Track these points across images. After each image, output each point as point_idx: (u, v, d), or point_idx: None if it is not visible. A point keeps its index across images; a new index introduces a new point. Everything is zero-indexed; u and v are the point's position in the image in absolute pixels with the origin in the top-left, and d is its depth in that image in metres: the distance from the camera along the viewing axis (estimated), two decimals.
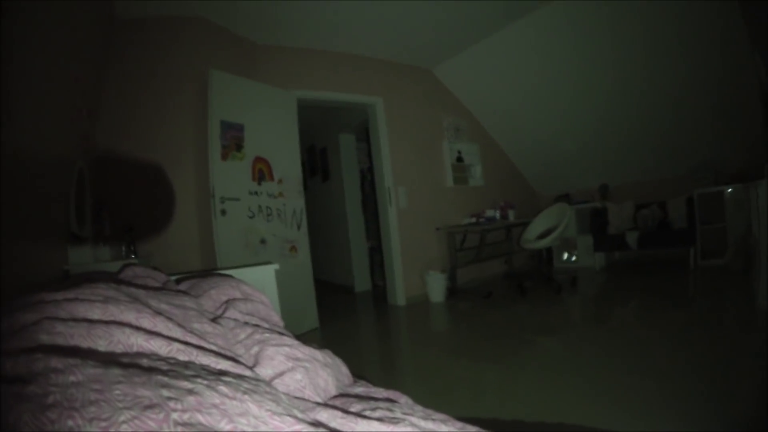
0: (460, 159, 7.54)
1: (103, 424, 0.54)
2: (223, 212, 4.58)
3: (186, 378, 0.68)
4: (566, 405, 2.78)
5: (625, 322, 4.69)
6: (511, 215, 7.23)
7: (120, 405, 0.57)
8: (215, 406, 0.63)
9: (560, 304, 5.58)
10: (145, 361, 0.74)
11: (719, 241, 6.30)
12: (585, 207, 7.88)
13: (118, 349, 0.80)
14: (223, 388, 0.69)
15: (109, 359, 0.71)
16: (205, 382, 0.69)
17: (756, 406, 2.49)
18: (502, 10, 5.48)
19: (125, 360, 0.72)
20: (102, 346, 0.79)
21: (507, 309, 5.54)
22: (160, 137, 4.47)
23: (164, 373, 0.69)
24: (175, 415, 0.57)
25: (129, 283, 1.50)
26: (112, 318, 0.90)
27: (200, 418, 0.59)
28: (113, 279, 1.63)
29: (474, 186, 7.76)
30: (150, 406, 0.58)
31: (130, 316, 0.92)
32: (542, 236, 6.42)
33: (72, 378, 0.61)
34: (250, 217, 4.84)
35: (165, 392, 0.62)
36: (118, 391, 0.59)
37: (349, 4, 4.88)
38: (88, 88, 3.78)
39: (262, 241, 4.92)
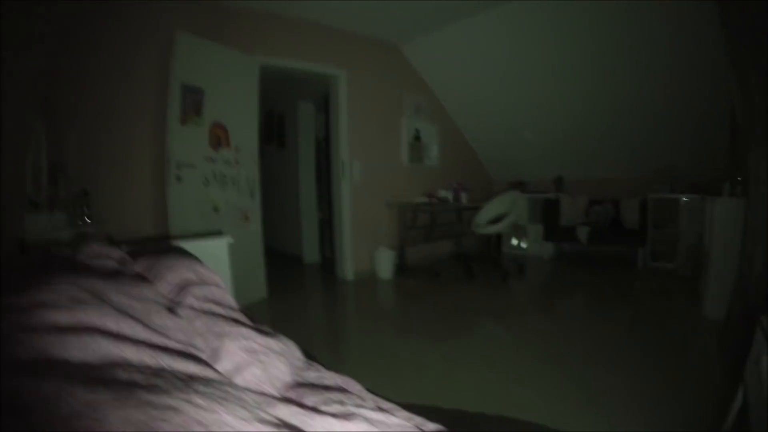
0: (417, 138, 7.59)
1: None
2: (179, 178, 4.51)
3: (165, 392, 0.71)
4: (503, 390, 2.89)
5: (567, 314, 4.86)
6: (464, 198, 7.30)
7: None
8: (198, 422, 0.66)
9: (506, 290, 5.72)
10: (121, 373, 0.76)
11: (669, 245, 6.52)
12: (539, 197, 8.01)
13: (91, 357, 0.82)
14: (198, 401, 0.72)
15: (91, 375, 0.72)
16: (182, 395, 0.71)
17: (678, 409, 2.63)
18: None
19: (106, 375, 0.74)
20: (76, 356, 0.81)
21: (454, 291, 5.65)
22: (119, 98, 4.35)
23: (144, 388, 0.71)
24: None
25: (88, 268, 1.50)
26: (79, 321, 0.91)
27: None
28: (72, 266, 1.63)
29: (429, 166, 7.83)
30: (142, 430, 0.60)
31: (95, 319, 0.93)
32: (493, 222, 6.53)
33: (68, 408, 0.62)
34: (205, 184, 4.78)
35: (153, 413, 0.64)
36: (114, 418, 0.61)
37: None
38: (51, 47, 3.67)
39: (216, 209, 4.88)
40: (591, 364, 3.29)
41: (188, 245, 2.86)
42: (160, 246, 2.52)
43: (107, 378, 0.73)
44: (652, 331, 4.02)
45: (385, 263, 6.52)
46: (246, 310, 2.06)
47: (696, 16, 4.71)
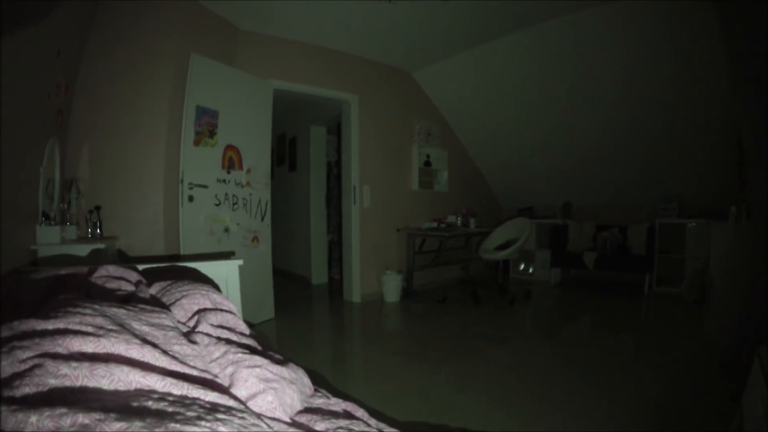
0: (428, 163, 7.65)
1: None
2: (191, 198, 4.59)
3: (191, 422, 0.76)
4: (506, 415, 2.92)
5: (572, 340, 4.85)
6: (472, 223, 7.37)
7: None
8: None
9: (512, 315, 5.74)
10: (150, 404, 0.81)
11: (676, 271, 6.53)
12: (546, 222, 8.05)
13: (120, 386, 0.87)
14: (222, 428, 0.77)
15: (123, 405, 0.78)
16: (208, 425, 0.77)
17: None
18: (486, 25, 5.56)
19: (134, 404, 0.80)
20: (105, 385, 0.86)
21: (460, 315, 5.67)
22: (134, 117, 4.41)
23: (172, 417, 0.76)
24: None
25: (107, 293, 1.57)
26: (105, 350, 0.97)
27: None
28: (88, 286, 1.69)
29: (439, 191, 7.89)
30: None
31: (120, 348, 0.99)
32: (501, 247, 6.57)
33: None
34: (216, 205, 4.86)
35: None
36: None
37: (337, 2, 4.89)
38: (68, 62, 3.75)
39: (226, 230, 4.95)
40: (595, 389, 3.31)
41: (201, 266, 2.93)
42: (175, 267, 2.58)
43: (137, 407, 0.79)
44: (656, 358, 4.03)
45: (392, 287, 6.55)
46: (256, 333, 2.11)
47: (702, 44, 4.79)
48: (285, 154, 8.89)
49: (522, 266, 8.43)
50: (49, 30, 3.07)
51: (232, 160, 5.04)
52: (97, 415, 0.71)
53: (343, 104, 6.59)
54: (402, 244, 7.11)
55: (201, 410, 0.83)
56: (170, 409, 0.80)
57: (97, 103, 4.26)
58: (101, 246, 3.42)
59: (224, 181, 4.95)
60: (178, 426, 0.73)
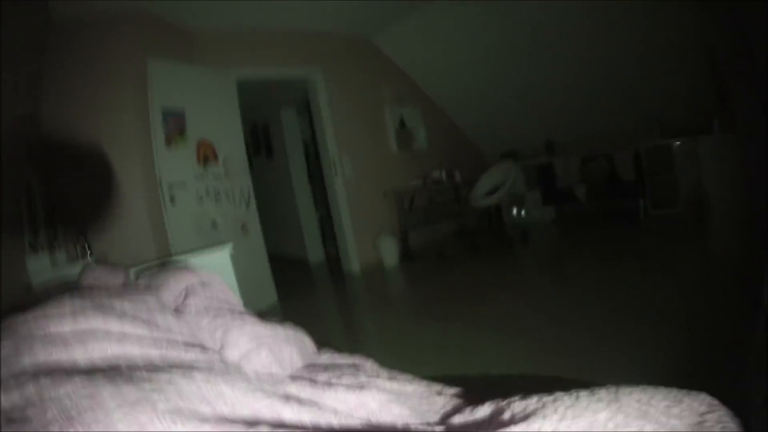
0: (403, 124, 7.57)
1: (101, 426, 0.58)
2: (172, 199, 4.55)
3: (163, 370, 0.72)
4: (524, 357, 2.90)
5: (579, 274, 4.83)
6: (458, 175, 7.33)
7: (111, 406, 0.61)
8: (193, 393, 0.67)
9: (513, 259, 5.73)
10: (122, 362, 0.78)
11: (669, 191, 6.48)
12: (532, 163, 7.97)
13: (95, 356, 0.84)
14: (197, 374, 0.73)
15: (90, 366, 0.74)
16: (180, 371, 0.73)
17: (706, 344, 2.64)
18: None
19: (105, 365, 0.76)
20: (80, 356, 0.83)
21: (461, 267, 5.66)
22: (103, 133, 4.34)
23: (142, 369, 0.73)
24: (160, 406, 0.62)
25: (91, 288, 1.52)
26: (81, 328, 0.93)
27: (182, 404, 0.63)
28: (75, 289, 1.64)
29: (419, 149, 7.82)
30: (137, 402, 0.62)
31: (97, 323, 0.95)
32: (490, 193, 6.53)
33: (62, 390, 0.64)
34: (199, 202, 4.81)
35: (147, 386, 0.66)
36: (106, 393, 0.63)
37: None
38: (28, 93, 3.69)
39: (213, 224, 4.90)
40: (612, 318, 3.28)
41: (190, 259, 2.88)
42: (162, 263, 2.54)
43: (106, 367, 0.75)
44: (667, 279, 3.97)
45: (389, 251, 6.53)
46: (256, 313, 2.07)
47: None
48: (260, 141, 8.80)
49: (515, 210, 8.39)
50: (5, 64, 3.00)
51: (206, 155, 4.97)
52: (58, 376, 0.67)
53: (308, 80, 6.48)
54: (392, 206, 7.07)
55: (176, 362, 0.79)
56: (141, 364, 0.76)
57: (65, 126, 4.21)
58: (92, 260, 3.38)
59: (202, 176, 4.89)
60: (145, 374, 0.69)
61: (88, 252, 3.86)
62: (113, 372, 0.71)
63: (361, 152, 6.82)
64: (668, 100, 6.42)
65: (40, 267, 3.13)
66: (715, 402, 0.78)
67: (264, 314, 4.13)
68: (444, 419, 1.03)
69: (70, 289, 1.72)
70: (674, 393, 0.76)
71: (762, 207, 3.17)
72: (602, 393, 0.79)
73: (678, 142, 6.23)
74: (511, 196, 7.05)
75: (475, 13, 6.20)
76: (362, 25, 6.61)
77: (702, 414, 0.75)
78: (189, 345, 0.99)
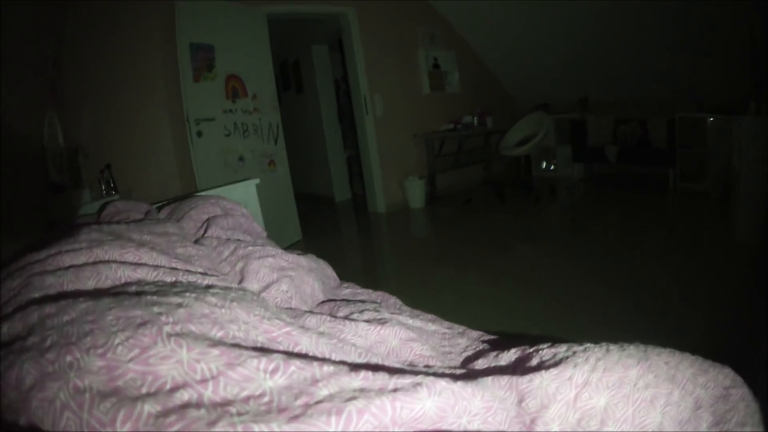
0: (436, 66, 7.42)
1: (100, 350, 0.55)
2: (199, 134, 4.53)
3: (175, 294, 0.70)
4: (540, 311, 2.91)
5: (599, 236, 4.78)
6: (489, 122, 7.22)
7: (114, 329, 0.59)
8: (205, 315, 0.65)
9: (538, 212, 5.69)
10: (133, 288, 0.75)
11: (699, 166, 6.29)
12: (564, 118, 7.78)
13: (106, 284, 0.82)
14: (211, 299, 0.71)
15: (99, 292, 0.72)
16: (194, 295, 0.71)
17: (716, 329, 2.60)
18: None
19: (114, 291, 0.74)
20: (91, 285, 0.81)
21: (486, 215, 5.63)
22: (128, 69, 4.35)
23: (153, 293, 0.70)
24: (167, 328, 0.59)
25: (110, 223, 1.51)
26: (96, 258, 0.91)
27: (192, 328, 0.61)
28: (94, 222, 1.63)
29: (451, 93, 7.65)
30: (142, 324, 0.59)
31: (114, 254, 0.93)
32: (521, 144, 6.43)
33: (66, 317, 0.62)
34: (227, 136, 4.78)
35: (155, 309, 0.63)
36: (110, 317, 0.61)
37: None
38: (51, 35, 3.67)
39: (241, 159, 4.88)
40: (624, 284, 3.26)
41: (216, 193, 2.88)
42: (184, 196, 2.54)
43: (113, 291, 0.73)
44: (685, 253, 3.93)
45: (416, 193, 6.51)
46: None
47: None
48: (290, 78, 8.72)
49: (544, 164, 8.29)
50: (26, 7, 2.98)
51: (235, 89, 4.92)
52: (63, 303, 0.65)
53: (341, 18, 6.35)
54: (421, 149, 7.00)
55: (191, 287, 0.77)
56: (153, 290, 0.74)
57: (89, 66, 4.16)
58: (116, 198, 3.38)
59: (231, 111, 4.85)
60: (155, 298, 0.67)
61: (113, 189, 3.88)
62: (122, 296, 0.69)
63: (393, 92, 6.72)
64: (707, 75, 6.20)
65: (64, 206, 3.14)
66: (739, 378, 0.76)
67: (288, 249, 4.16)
68: (466, 363, 1.01)
69: (89, 223, 1.72)
70: (700, 362, 0.74)
71: None
72: (632, 349, 0.77)
73: (712, 118, 6.03)
74: (541, 148, 6.93)
75: None
76: None
77: (726, 388, 0.74)
78: (207, 275, 0.97)
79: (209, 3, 4.71)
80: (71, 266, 0.87)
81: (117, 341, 0.56)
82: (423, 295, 3.37)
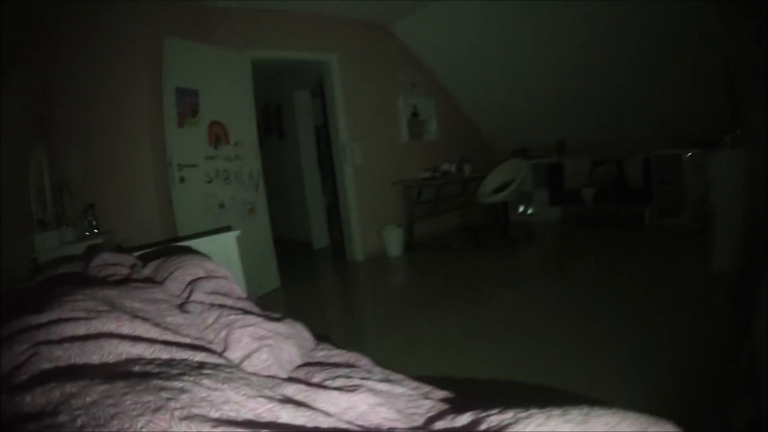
0: (415, 114, 7.62)
1: None
2: (182, 179, 4.60)
3: (176, 377, 0.80)
4: (518, 358, 2.96)
5: (577, 277, 4.88)
6: (467, 169, 7.36)
7: (134, 413, 0.68)
8: (204, 399, 0.75)
9: (516, 257, 5.79)
10: (137, 368, 0.85)
11: (676, 201, 6.49)
12: (542, 162, 7.99)
13: (110, 359, 0.91)
14: (206, 381, 0.81)
15: (109, 372, 0.81)
16: (191, 378, 0.80)
17: (690, 364, 2.69)
18: None
19: (121, 370, 0.83)
20: (95, 359, 0.90)
21: (464, 262, 5.72)
22: (115, 110, 4.42)
23: (157, 375, 0.80)
24: (177, 413, 0.69)
25: (101, 281, 1.60)
26: (96, 331, 1.00)
27: (195, 411, 0.71)
28: (84, 278, 1.71)
29: (430, 141, 7.85)
30: (157, 409, 0.69)
31: (111, 326, 1.02)
32: (498, 190, 6.58)
33: (89, 398, 0.71)
34: (208, 182, 4.86)
35: (164, 394, 0.72)
36: (129, 402, 0.70)
37: None
38: (41, 68, 3.74)
39: (221, 205, 4.96)
40: (603, 326, 3.33)
41: (197, 243, 2.95)
42: (168, 248, 2.61)
43: (123, 372, 0.82)
44: (661, 291, 4.01)
45: (394, 241, 6.60)
46: (258, 299, 2.14)
47: None
48: (272, 123, 8.86)
49: (521, 208, 8.46)
50: (17, 41, 3.05)
51: (218, 136, 5.02)
52: (82, 383, 0.74)
53: (323, 65, 6.53)
54: (399, 197, 7.14)
55: (186, 368, 0.87)
56: (155, 371, 0.83)
57: (77, 103, 4.24)
58: (99, 241, 3.43)
59: (213, 157, 4.93)
60: (160, 382, 0.76)
61: (95, 229, 3.93)
62: (132, 378, 0.78)
63: (373, 140, 6.87)
64: (682, 110, 6.39)
65: (48, 244, 3.17)
66: None
67: (266, 299, 4.20)
68: (428, 423, 1.10)
69: (76, 277, 1.79)
70: (643, 420, 0.81)
71: (763, 228, 3.20)
72: (574, 413, 0.84)
73: (689, 153, 6.23)
74: (518, 193, 7.09)
75: (495, 8, 6.21)
76: (381, 11, 6.62)
77: None
78: (196, 348, 1.06)
79: (196, 45, 4.83)
80: (74, 337, 0.96)
81: (140, 424, 0.65)
82: (400, 343, 3.44)
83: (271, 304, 2.39)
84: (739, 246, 3.67)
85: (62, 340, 0.94)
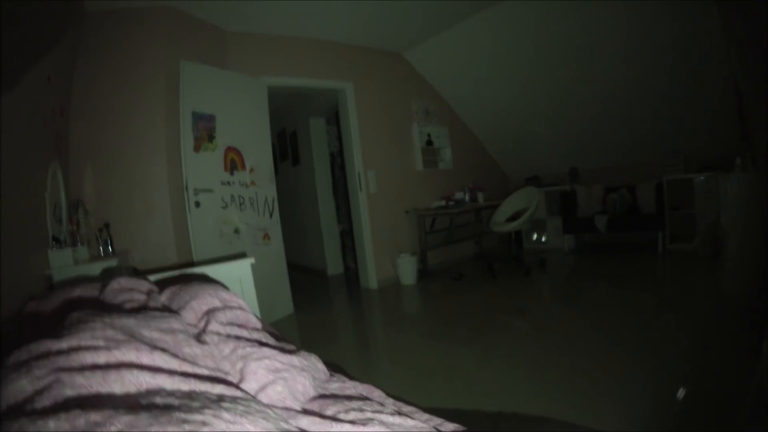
0: (429, 142, 7.65)
1: None
2: (197, 204, 4.65)
3: (197, 410, 0.81)
4: (524, 390, 2.94)
5: (590, 305, 4.86)
6: (481, 198, 7.38)
7: None
8: None
9: (529, 285, 5.75)
10: (158, 399, 0.86)
11: (688, 227, 6.51)
12: (554, 190, 8.02)
13: (132, 389, 0.92)
14: (225, 415, 0.82)
15: (132, 402, 0.83)
16: (211, 411, 0.82)
17: (705, 391, 2.66)
18: None
19: (144, 401, 0.85)
20: (117, 389, 0.91)
21: (477, 291, 5.70)
22: (132, 131, 4.47)
23: (178, 408, 0.81)
24: None
25: (118, 307, 1.62)
26: (117, 360, 1.01)
27: None
28: (101, 303, 1.74)
29: (444, 169, 7.88)
30: None
31: (131, 356, 1.04)
32: (511, 219, 6.58)
33: (113, 428, 0.73)
34: (223, 208, 4.91)
35: (187, 427, 0.74)
36: None
37: None
38: (60, 86, 3.80)
39: (236, 231, 5.00)
40: (617, 353, 3.31)
41: (212, 270, 2.98)
42: (184, 276, 2.63)
43: (146, 404, 0.84)
44: (675, 317, 4.00)
45: (407, 269, 6.59)
46: (271, 328, 2.15)
47: (697, 2, 4.76)
48: (287, 149, 8.93)
49: (535, 236, 8.46)
50: (37, 57, 3.10)
51: (234, 162, 5.08)
52: (107, 413, 0.76)
53: (339, 93, 6.61)
54: (413, 225, 7.16)
55: (206, 401, 0.88)
56: (177, 403, 0.85)
57: (94, 122, 4.34)
58: (113, 263, 3.46)
59: (228, 183, 4.99)
60: (182, 415, 0.78)
61: (110, 248, 3.97)
62: (155, 410, 0.80)
63: (387, 168, 6.91)
64: (693, 134, 6.46)
65: (62, 261, 3.19)
66: None
67: (278, 325, 4.20)
68: None
69: (93, 303, 1.82)
70: None
71: None
72: None
73: (701, 177, 6.24)
74: (532, 221, 7.08)
75: (505, 36, 6.27)
76: (395, 39, 6.72)
77: None
78: (213, 378, 1.07)
79: (213, 70, 4.93)
80: (95, 366, 0.97)
81: None
82: (412, 373, 3.43)
83: (284, 331, 2.39)
84: (752, 269, 3.63)
85: (83, 368, 0.96)
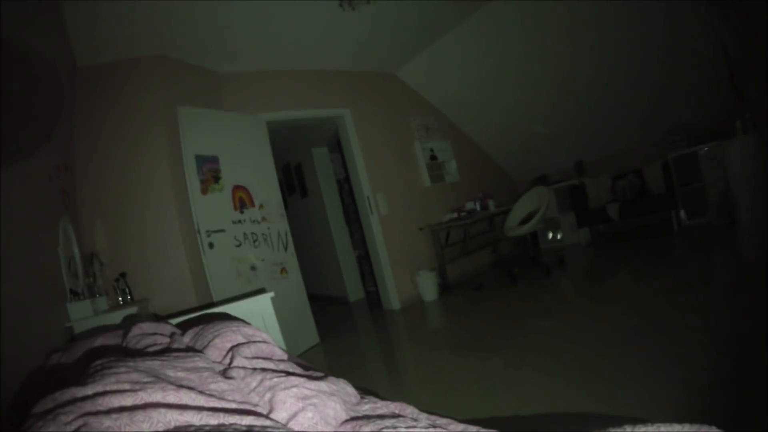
0: (433, 157, 7.67)
1: None
2: (211, 245, 4.67)
3: None
4: (561, 390, 2.89)
5: (614, 295, 4.81)
6: (492, 205, 7.38)
7: None
8: None
9: (551, 285, 5.71)
10: None
11: (700, 200, 6.46)
12: (563, 186, 8.02)
13: (160, 427, 0.92)
14: None
15: None
16: None
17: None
18: (453, 8, 5.59)
19: None
20: (145, 428, 0.91)
21: (499, 298, 5.66)
22: (137, 180, 4.53)
23: None
24: None
25: (141, 352, 1.62)
26: (143, 401, 1.01)
27: None
28: (124, 350, 1.74)
29: (451, 182, 7.89)
30: None
31: (157, 396, 1.03)
32: (524, 221, 6.56)
33: None
34: (237, 246, 4.93)
35: None
36: None
37: (306, 24, 4.97)
38: (60, 141, 3.84)
39: (253, 268, 5.01)
40: (650, 339, 3.25)
41: (233, 308, 2.98)
42: (205, 315, 2.63)
43: None
44: (702, 291, 3.97)
45: (427, 285, 6.57)
46: (298, 359, 2.14)
47: None
48: (293, 182, 8.97)
49: (550, 235, 8.41)
50: (35, 116, 3.14)
51: (242, 200, 5.11)
52: None
53: (337, 120, 6.66)
54: (428, 241, 7.14)
55: None
56: None
57: (98, 175, 4.40)
58: (133, 311, 3.46)
59: (240, 221, 5.02)
60: None
61: (129, 297, 3.99)
62: None
63: (395, 188, 6.93)
64: (691, 106, 6.47)
65: (82, 313, 3.20)
66: None
67: (305, 356, 4.19)
68: None
69: (116, 350, 1.82)
70: (686, 429, 0.80)
71: None
72: None
73: (705, 149, 6.20)
74: (545, 221, 7.05)
75: (489, 36, 6.32)
76: (386, 59, 6.80)
77: None
78: (243, 412, 1.07)
79: (210, 112, 5.00)
80: (122, 408, 0.97)
81: None
82: (445, 387, 3.39)
83: (312, 362, 2.38)
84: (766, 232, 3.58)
85: (110, 411, 0.96)
